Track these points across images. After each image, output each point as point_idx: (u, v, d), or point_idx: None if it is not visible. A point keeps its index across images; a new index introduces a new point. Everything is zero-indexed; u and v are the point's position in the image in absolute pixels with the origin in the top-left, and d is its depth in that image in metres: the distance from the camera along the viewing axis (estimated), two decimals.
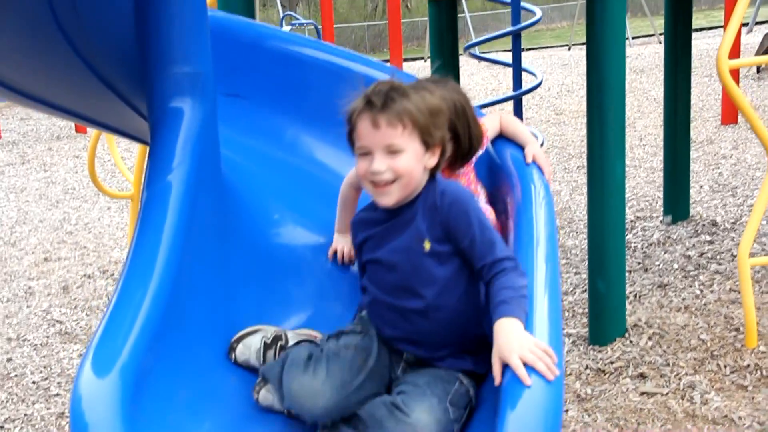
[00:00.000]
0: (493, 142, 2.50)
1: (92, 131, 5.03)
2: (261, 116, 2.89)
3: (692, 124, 6.63)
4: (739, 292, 3.87)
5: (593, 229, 3.72)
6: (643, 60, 14.55)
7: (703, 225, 5.10)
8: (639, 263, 4.60)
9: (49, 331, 4.55)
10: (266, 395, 2.05)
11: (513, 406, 1.61)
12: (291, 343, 2.16)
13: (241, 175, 2.59)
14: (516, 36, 4.63)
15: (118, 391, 1.65)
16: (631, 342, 3.61)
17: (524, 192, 2.21)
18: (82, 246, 6.28)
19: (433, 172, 2.01)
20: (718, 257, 4.51)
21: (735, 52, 7.84)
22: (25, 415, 3.61)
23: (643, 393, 3.21)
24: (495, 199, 2.41)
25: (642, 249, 4.84)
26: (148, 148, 2.29)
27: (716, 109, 9.14)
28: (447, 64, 4.49)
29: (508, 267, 1.87)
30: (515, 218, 2.16)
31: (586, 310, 3.88)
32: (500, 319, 1.77)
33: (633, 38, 19.94)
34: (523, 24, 4.56)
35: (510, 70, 4.72)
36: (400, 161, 1.92)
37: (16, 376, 4.01)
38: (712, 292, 4.05)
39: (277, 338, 2.16)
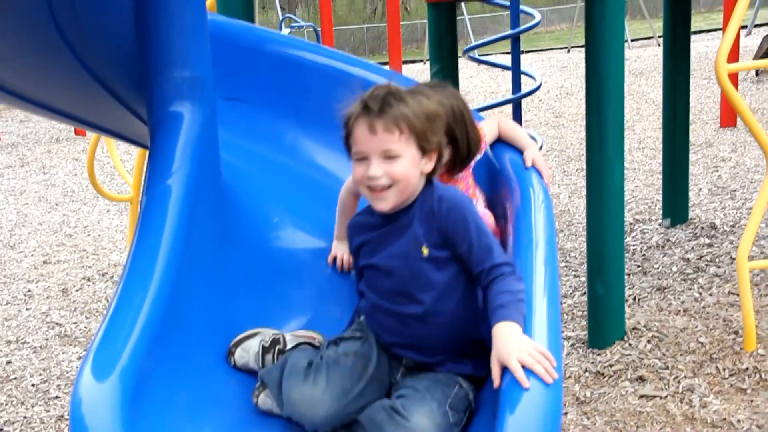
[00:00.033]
0: (492, 146, 2.51)
1: (92, 134, 5.03)
2: (261, 120, 2.89)
3: (691, 127, 6.64)
4: (738, 295, 3.87)
5: (592, 232, 3.73)
6: (642, 62, 14.57)
7: (702, 228, 5.11)
8: (638, 266, 4.60)
9: (48, 334, 4.56)
10: (265, 399, 2.05)
11: (512, 410, 1.62)
12: (289, 346, 2.16)
13: (241, 179, 2.60)
14: (515, 39, 4.63)
15: (118, 394, 1.65)
16: (630, 345, 3.62)
17: (523, 196, 2.21)
18: (81, 249, 6.28)
19: (429, 177, 2.01)
20: (717, 260, 4.52)
21: (734, 54, 7.84)
22: (25, 417, 3.61)
23: (642, 396, 3.21)
24: (494, 204, 2.41)
25: (641, 252, 4.85)
26: (147, 152, 2.30)
27: (715, 112, 9.15)
28: (446, 67, 4.49)
29: (506, 272, 1.87)
30: (514, 222, 2.16)
31: (585, 313, 3.88)
32: (499, 323, 1.78)
33: (632, 41, 19.96)
34: (521, 27, 4.56)
35: (509, 72, 4.72)
36: (397, 166, 1.92)
37: (15, 378, 4.01)
38: (711, 295, 4.06)
39: (275, 342, 2.16)
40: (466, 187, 2.38)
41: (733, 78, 8.34)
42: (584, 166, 3.90)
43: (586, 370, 3.46)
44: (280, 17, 16.98)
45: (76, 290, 5.29)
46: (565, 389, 3.33)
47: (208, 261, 2.17)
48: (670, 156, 5.25)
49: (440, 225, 1.94)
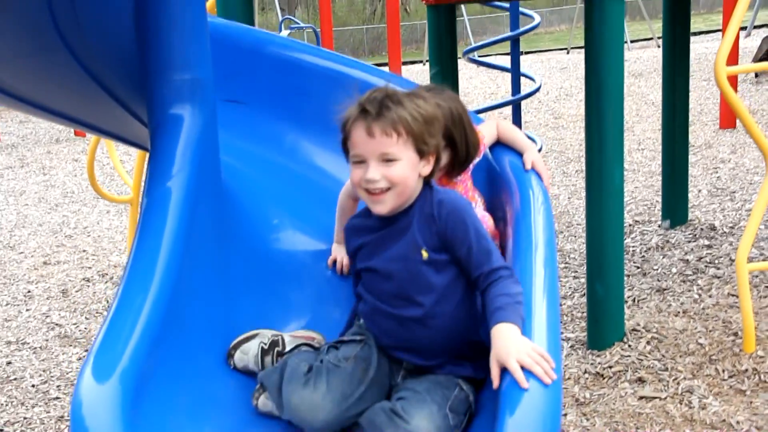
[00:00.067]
0: (492, 149, 2.51)
1: (92, 135, 5.03)
2: (260, 122, 2.90)
3: (691, 128, 6.66)
4: (737, 297, 3.87)
5: (592, 233, 3.73)
6: (642, 64, 14.57)
7: (702, 229, 5.11)
8: (637, 267, 4.61)
9: (48, 335, 4.56)
10: (265, 402, 2.05)
11: (512, 412, 1.62)
12: (288, 347, 2.16)
13: (241, 181, 2.60)
14: (514, 41, 4.64)
15: (118, 396, 1.65)
16: (629, 346, 3.62)
17: (523, 198, 2.22)
18: (81, 249, 6.29)
19: (428, 180, 2.01)
20: (716, 262, 4.52)
21: (733, 56, 7.84)
22: (25, 418, 3.61)
23: (641, 397, 3.22)
24: (494, 206, 2.41)
25: (640, 253, 4.85)
26: (147, 154, 2.30)
27: (714, 113, 9.15)
28: (446, 68, 4.50)
29: (504, 275, 1.88)
30: (514, 224, 2.17)
31: (585, 314, 3.88)
32: (497, 324, 1.78)
33: (631, 42, 19.98)
34: (521, 29, 4.57)
35: (509, 74, 4.73)
36: (395, 170, 1.92)
37: (15, 379, 4.01)
38: (710, 296, 4.06)
39: (274, 344, 2.16)
40: (465, 190, 2.39)
41: (733, 79, 8.35)
42: (584, 168, 3.91)
43: (585, 372, 3.47)
44: (280, 18, 17.00)
45: (76, 291, 5.29)
46: (565, 390, 3.33)
47: (208, 263, 2.17)
48: (669, 157, 5.25)
49: (440, 229, 1.94)
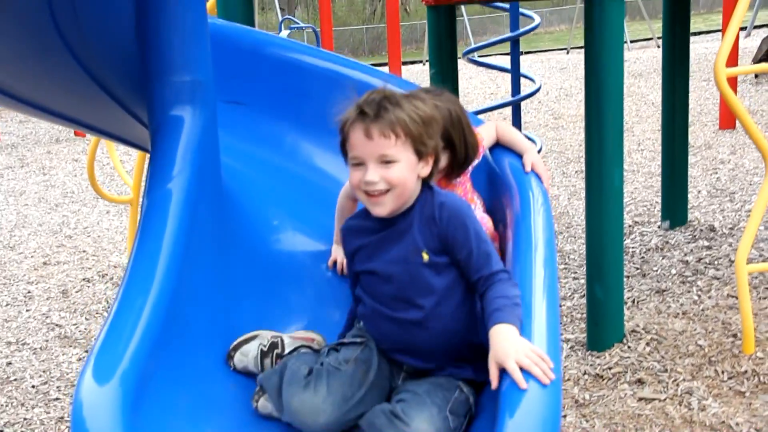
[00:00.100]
0: (492, 150, 2.51)
1: (92, 135, 5.04)
2: (261, 123, 2.90)
3: (690, 129, 6.65)
4: (736, 298, 3.87)
5: (591, 234, 3.73)
6: (642, 64, 14.58)
7: (701, 230, 5.11)
8: (637, 268, 4.61)
9: (48, 335, 4.56)
10: (265, 404, 2.05)
11: (511, 413, 1.62)
12: (287, 349, 2.16)
13: (241, 182, 2.60)
14: (514, 42, 4.64)
15: (118, 397, 1.66)
16: (629, 347, 3.62)
17: (522, 199, 2.22)
18: (81, 250, 6.29)
19: (427, 181, 2.01)
20: (715, 263, 4.53)
21: (733, 56, 7.85)
22: (25, 419, 3.61)
23: (641, 399, 3.22)
24: (494, 208, 2.42)
25: (640, 254, 4.86)
26: (147, 154, 2.30)
27: (714, 114, 9.16)
28: (445, 69, 4.50)
29: (503, 278, 1.89)
30: (514, 225, 2.17)
31: (585, 315, 3.89)
32: (496, 326, 1.79)
33: (631, 42, 19.98)
34: (521, 30, 4.57)
35: (509, 74, 4.74)
36: (394, 171, 1.91)
37: (15, 380, 4.02)
38: (709, 297, 4.07)
39: (273, 345, 2.16)
40: (464, 192, 2.39)
41: (732, 80, 8.36)
42: (583, 168, 3.91)
43: (585, 373, 3.47)
44: (280, 18, 17.00)
45: (76, 291, 5.29)
46: (564, 392, 3.33)
47: (208, 264, 2.17)
48: (669, 158, 5.25)
49: (440, 231, 1.94)
